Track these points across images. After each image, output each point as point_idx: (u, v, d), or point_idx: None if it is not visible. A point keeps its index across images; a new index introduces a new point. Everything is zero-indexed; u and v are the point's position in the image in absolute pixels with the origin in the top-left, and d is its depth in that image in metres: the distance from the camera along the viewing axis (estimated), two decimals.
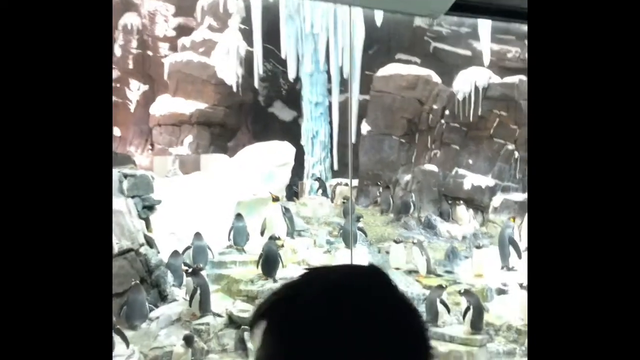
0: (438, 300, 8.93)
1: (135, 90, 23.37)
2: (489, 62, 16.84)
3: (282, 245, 10.43)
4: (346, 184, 16.58)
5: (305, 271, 0.93)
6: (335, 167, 17.70)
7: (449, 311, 9.00)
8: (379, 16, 17.98)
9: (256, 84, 18.48)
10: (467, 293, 8.99)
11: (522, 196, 14.24)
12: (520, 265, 10.95)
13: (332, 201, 15.45)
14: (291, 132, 18.32)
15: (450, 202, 14.56)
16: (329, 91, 17.58)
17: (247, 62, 18.19)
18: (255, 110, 20.51)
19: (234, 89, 17.95)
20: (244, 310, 8.61)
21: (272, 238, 9.96)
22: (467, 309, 8.73)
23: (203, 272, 8.85)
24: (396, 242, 11.25)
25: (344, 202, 14.29)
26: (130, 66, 22.52)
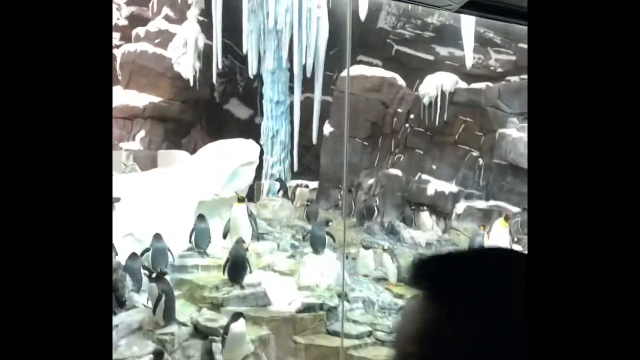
0: None
1: None
2: (471, 65, 16.73)
3: (247, 249, 9.86)
4: (306, 186, 16.13)
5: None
6: (296, 168, 17.20)
7: None
8: (340, 15, 17.64)
9: (214, 79, 17.79)
10: None
11: (485, 204, 14.13)
12: None
13: (292, 203, 14.96)
14: (247, 131, 17.68)
15: (413, 207, 14.31)
16: (291, 90, 17.06)
17: (205, 56, 17.47)
18: (210, 107, 19.78)
19: (191, 84, 17.20)
20: (211, 319, 8.00)
21: (239, 241, 9.37)
22: None
23: (167, 277, 8.19)
24: (365, 247, 10.85)
25: (307, 205, 13.80)
26: None
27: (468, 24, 16.05)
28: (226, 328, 7.45)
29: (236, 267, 8.91)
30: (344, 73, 16.48)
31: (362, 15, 16.73)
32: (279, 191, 15.68)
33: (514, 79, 16.95)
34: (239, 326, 7.39)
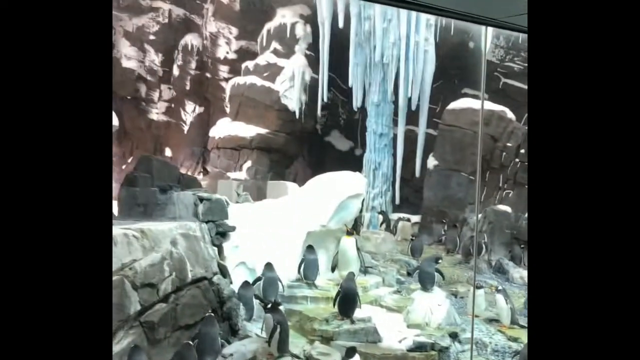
0: None
1: (190, 112, 23.28)
2: None
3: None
4: (408, 220, 15.93)
5: None
6: (397, 201, 17.04)
7: None
8: (448, 47, 17.50)
9: (318, 112, 18.08)
10: None
11: None
12: None
13: (394, 237, 14.80)
14: (347, 162, 17.76)
15: (522, 246, 13.74)
16: (394, 122, 17.03)
17: (311, 90, 17.83)
18: (312, 139, 20.09)
19: (296, 116, 17.56)
20: (323, 353, 7.93)
21: (350, 275, 9.31)
22: None
23: (281, 307, 8.23)
24: (477, 287, 10.47)
25: (412, 239, 13.57)
26: (187, 87, 22.44)
27: None
28: None
29: (347, 300, 8.82)
30: (450, 106, 16.27)
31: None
32: (381, 224, 15.56)
33: None
34: None
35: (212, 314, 7.87)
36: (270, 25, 18.62)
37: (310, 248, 10.28)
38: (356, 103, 17.11)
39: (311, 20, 18.01)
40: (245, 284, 9.14)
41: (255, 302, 8.99)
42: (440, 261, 11.03)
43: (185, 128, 23.33)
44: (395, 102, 16.74)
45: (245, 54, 19.82)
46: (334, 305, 8.95)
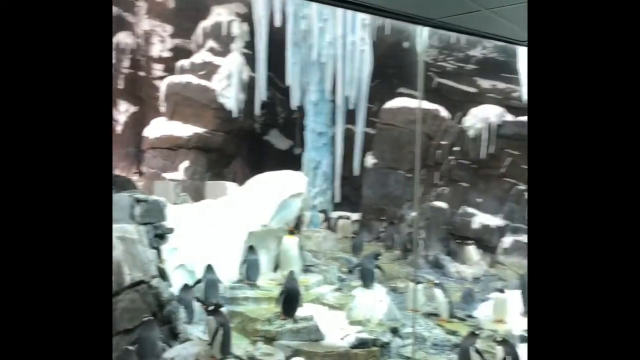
0: (472, 348, 8.34)
1: (123, 111, 22.66)
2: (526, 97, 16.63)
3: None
4: (348, 218, 16.07)
5: None
6: (337, 199, 17.16)
7: None
8: (384, 47, 17.77)
9: (256, 110, 17.97)
10: (504, 342, 8.43)
11: None
12: None
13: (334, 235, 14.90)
14: (286, 162, 17.77)
15: (458, 241, 14.12)
16: (333, 121, 17.14)
17: (249, 88, 17.71)
18: (251, 138, 19.95)
19: (235, 115, 17.40)
20: (267, 353, 7.90)
21: (291, 274, 9.31)
22: None
23: (223, 309, 8.14)
24: (416, 282, 10.67)
25: (352, 237, 13.70)
26: (120, 86, 21.84)
27: (524, 58, 15.98)
28: None
29: (290, 300, 8.82)
30: (387, 105, 16.52)
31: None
32: (322, 223, 15.63)
33: None
34: None
35: (152, 318, 7.69)
36: (206, 24, 18.37)
37: (251, 248, 10.22)
38: (294, 102, 17.13)
39: (247, 18, 17.89)
40: (185, 286, 9.00)
41: (196, 304, 8.86)
42: (380, 257, 11.18)
43: (119, 128, 22.70)
44: (334, 101, 16.85)
45: (180, 52, 19.45)
46: (277, 305, 8.93)
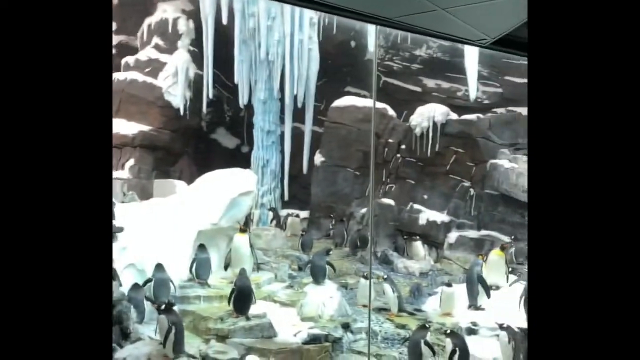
0: (422, 341, 8.54)
1: None
2: (474, 97, 17.01)
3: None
4: (297, 215, 16.13)
5: None
6: (286, 197, 17.19)
7: (434, 353, 8.63)
8: (332, 46, 17.91)
9: (204, 108, 17.79)
10: (452, 334, 8.66)
11: (477, 233, 14.27)
12: (489, 304, 10.80)
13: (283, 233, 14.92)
14: (234, 160, 17.67)
15: (405, 237, 14.38)
16: (281, 120, 17.15)
17: (196, 86, 17.50)
18: (198, 136, 19.73)
19: (181, 113, 17.17)
20: (220, 351, 7.88)
21: (242, 272, 9.30)
22: (453, 352, 8.39)
23: (175, 308, 8.06)
24: (365, 277, 10.82)
25: (302, 235, 13.76)
26: None
27: (472, 57, 16.40)
28: None
29: (242, 298, 8.81)
30: (335, 103, 16.66)
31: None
32: (272, 221, 15.63)
33: (500, 110, 17.31)
34: None
35: None
36: (151, 20, 18.04)
37: (201, 247, 10.15)
38: (242, 100, 17.04)
39: (194, 15, 17.66)
40: (135, 286, 8.86)
41: (147, 304, 8.75)
42: (330, 253, 11.28)
43: None
44: (282, 100, 16.86)
45: (125, 49, 19.02)
46: (229, 303, 8.90)
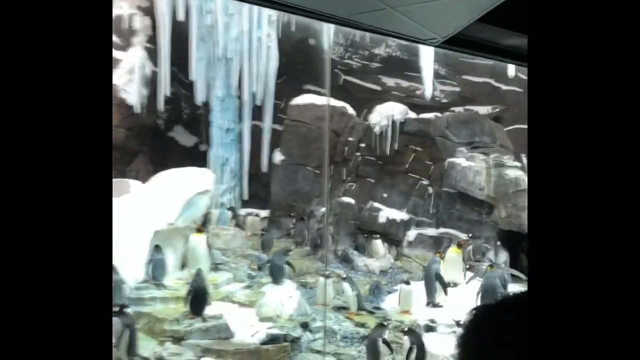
0: (380, 339, 8.53)
1: None
2: (431, 96, 17.10)
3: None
4: (257, 215, 15.98)
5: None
6: (245, 196, 17.00)
7: (392, 351, 8.63)
8: (290, 44, 17.81)
9: (160, 106, 17.45)
10: (410, 332, 8.69)
11: (435, 231, 14.38)
12: (447, 301, 10.88)
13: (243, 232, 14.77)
14: (192, 158, 17.39)
15: (365, 235, 14.39)
16: (240, 118, 16.95)
17: (152, 83, 17.15)
18: (154, 134, 19.36)
19: (137, 110, 16.80)
20: (176, 353, 7.71)
21: (199, 272, 9.13)
22: (411, 350, 8.41)
23: (128, 310, 7.84)
24: (325, 276, 10.76)
25: (261, 234, 13.64)
26: None
27: (427, 56, 16.49)
28: None
29: (198, 299, 8.65)
30: (294, 101, 16.57)
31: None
32: (231, 220, 15.44)
33: (458, 109, 17.49)
34: None
35: None
36: None
37: (157, 247, 9.94)
38: (200, 98, 16.77)
39: (150, 12, 17.30)
40: None
41: None
42: (290, 253, 11.20)
43: None
44: (240, 97, 16.66)
45: None
46: (185, 304, 8.73)
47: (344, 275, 10.86)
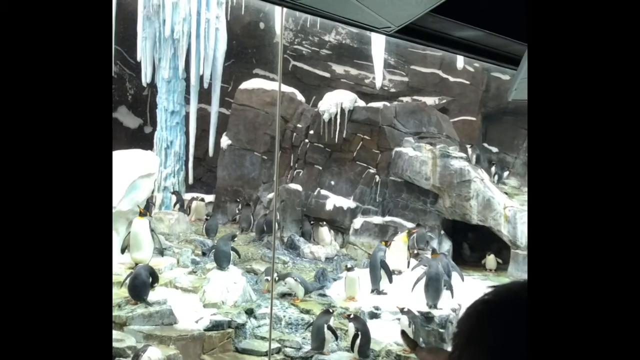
0: (325, 326, 8.54)
1: None
2: (380, 85, 17.11)
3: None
4: (202, 199, 15.73)
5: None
6: (190, 180, 16.70)
7: (336, 338, 8.66)
8: (240, 27, 17.54)
9: None
10: (355, 319, 8.72)
11: (381, 219, 14.49)
12: (391, 289, 10.99)
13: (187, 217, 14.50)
14: (136, 140, 16.99)
15: (312, 222, 14.38)
16: (186, 100, 16.59)
17: None
18: None
19: None
20: (118, 339, 7.49)
21: (142, 257, 8.90)
22: (356, 336, 8.46)
23: None
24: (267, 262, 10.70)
25: (206, 219, 13.42)
26: None
27: (379, 45, 16.51)
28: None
29: (139, 283, 8.43)
30: (242, 85, 16.35)
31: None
32: (175, 204, 15.14)
33: (406, 99, 17.66)
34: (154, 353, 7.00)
35: None
36: None
37: None
38: (145, 79, 16.31)
39: None
40: None
41: None
42: (235, 239, 11.06)
43: None
44: (187, 80, 16.30)
45: None
46: (127, 289, 8.50)
47: (287, 272, 10.82)
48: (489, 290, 1.07)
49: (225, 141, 15.92)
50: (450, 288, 10.30)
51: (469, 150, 15.52)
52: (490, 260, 13.91)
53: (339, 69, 18.62)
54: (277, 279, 10.44)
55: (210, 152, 16.76)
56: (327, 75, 18.66)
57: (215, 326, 8.64)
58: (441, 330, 9.86)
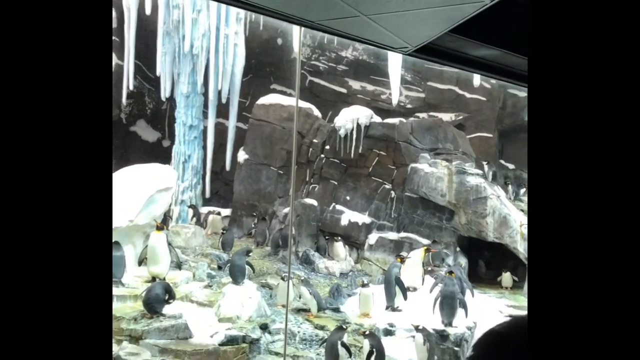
0: (339, 342, 8.55)
1: None
2: (397, 101, 17.19)
3: (164, 279, 9.53)
4: (219, 213, 15.85)
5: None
6: (207, 194, 16.84)
7: (350, 355, 8.66)
8: (258, 43, 17.74)
9: (123, 100, 17.18)
10: (370, 335, 8.73)
11: (397, 235, 14.49)
12: (406, 306, 10.98)
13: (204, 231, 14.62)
14: (154, 154, 17.17)
15: (327, 237, 14.42)
16: (205, 115, 16.79)
17: (116, 76, 16.85)
18: (117, 129, 19.03)
19: None
20: (133, 353, 7.58)
21: (161, 270, 9.00)
22: (371, 353, 8.46)
23: None
24: (283, 279, 10.74)
25: (222, 233, 13.52)
26: None
27: (395, 61, 16.59)
28: None
29: (153, 299, 8.52)
30: (260, 100, 16.51)
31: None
32: (192, 218, 15.27)
33: (422, 115, 17.69)
34: None
35: None
36: None
37: (116, 244, 9.75)
38: (164, 93, 16.56)
39: (116, 5, 17.02)
40: None
41: None
42: (250, 254, 11.13)
43: None
44: (205, 94, 16.51)
45: None
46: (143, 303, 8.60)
47: (302, 278, 10.86)
48: (504, 320, 1.13)
49: (242, 156, 16.05)
50: (465, 307, 10.27)
51: (485, 167, 15.50)
52: (506, 278, 13.84)
53: (355, 84, 18.72)
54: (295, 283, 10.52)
55: (227, 167, 16.91)
56: (344, 91, 18.77)
57: (230, 341, 8.68)
58: (456, 348, 9.82)
